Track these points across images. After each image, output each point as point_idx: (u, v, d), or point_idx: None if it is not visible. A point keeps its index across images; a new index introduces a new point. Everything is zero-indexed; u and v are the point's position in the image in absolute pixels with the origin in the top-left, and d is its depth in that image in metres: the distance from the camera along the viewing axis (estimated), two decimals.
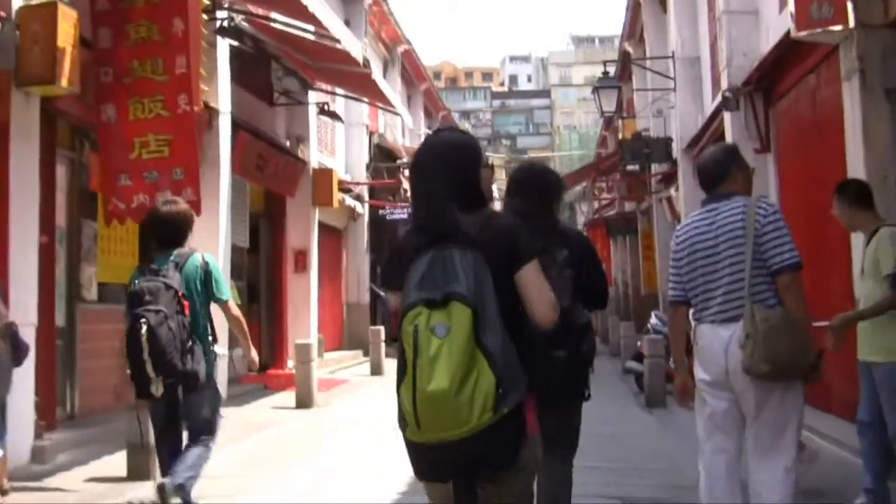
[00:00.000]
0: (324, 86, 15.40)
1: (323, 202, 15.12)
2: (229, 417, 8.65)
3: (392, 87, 22.49)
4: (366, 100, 15.88)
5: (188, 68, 7.33)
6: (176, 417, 4.75)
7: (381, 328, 15.83)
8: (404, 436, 2.52)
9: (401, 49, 23.97)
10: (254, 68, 13.51)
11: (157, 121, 7.21)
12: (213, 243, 10.89)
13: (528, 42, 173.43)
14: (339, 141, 18.96)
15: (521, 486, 2.62)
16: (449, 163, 2.72)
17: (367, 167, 19.71)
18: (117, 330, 9.44)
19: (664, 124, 16.87)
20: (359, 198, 18.68)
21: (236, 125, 11.91)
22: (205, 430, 4.77)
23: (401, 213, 20.37)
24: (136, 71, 7.47)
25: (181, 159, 7.20)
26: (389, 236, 19.45)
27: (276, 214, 14.94)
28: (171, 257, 4.68)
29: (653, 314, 12.58)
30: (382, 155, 20.35)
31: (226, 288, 4.89)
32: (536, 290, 2.62)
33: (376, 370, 15.16)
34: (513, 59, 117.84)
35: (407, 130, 25.40)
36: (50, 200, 7.75)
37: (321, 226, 17.34)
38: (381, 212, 20.33)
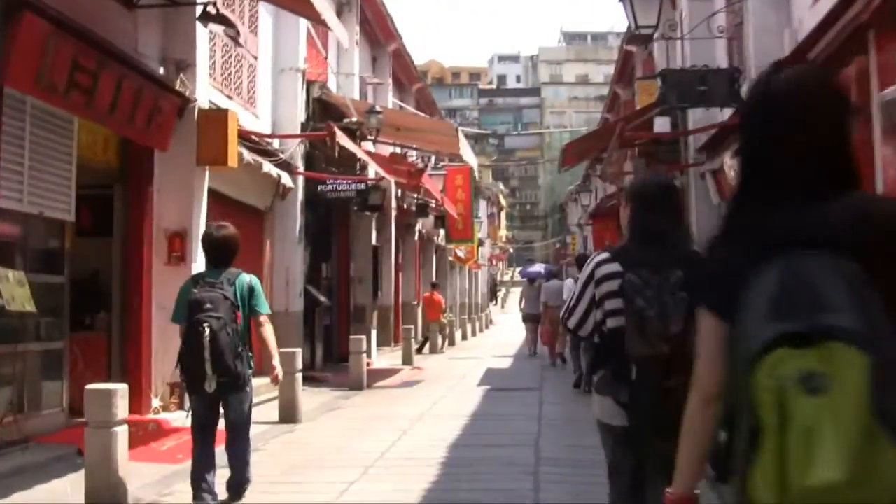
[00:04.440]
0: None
1: (212, 159, 9.95)
2: None
3: (350, 37, 17.48)
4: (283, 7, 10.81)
5: None
6: (216, 412, 5.55)
7: (298, 351, 10.44)
8: None
9: None
10: None
11: None
12: None
13: (519, 41, 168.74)
14: (264, 91, 13.84)
15: None
16: (820, 114, 1.70)
17: (304, 126, 14.53)
18: None
19: (725, 54, 11.80)
20: (288, 167, 13.50)
21: (19, 2, 6.84)
22: (241, 425, 5.70)
23: (348, 188, 15.18)
24: None
25: None
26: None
27: (137, 176, 9.76)
28: (223, 274, 5.44)
29: None
30: (326, 112, 15.17)
31: (264, 303, 5.75)
32: None
33: (287, 415, 9.81)
34: (501, 58, 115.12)
35: (370, 88, 20.22)
36: None
37: (233, 204, 12.24)
38: (320, 187, 15.06)
